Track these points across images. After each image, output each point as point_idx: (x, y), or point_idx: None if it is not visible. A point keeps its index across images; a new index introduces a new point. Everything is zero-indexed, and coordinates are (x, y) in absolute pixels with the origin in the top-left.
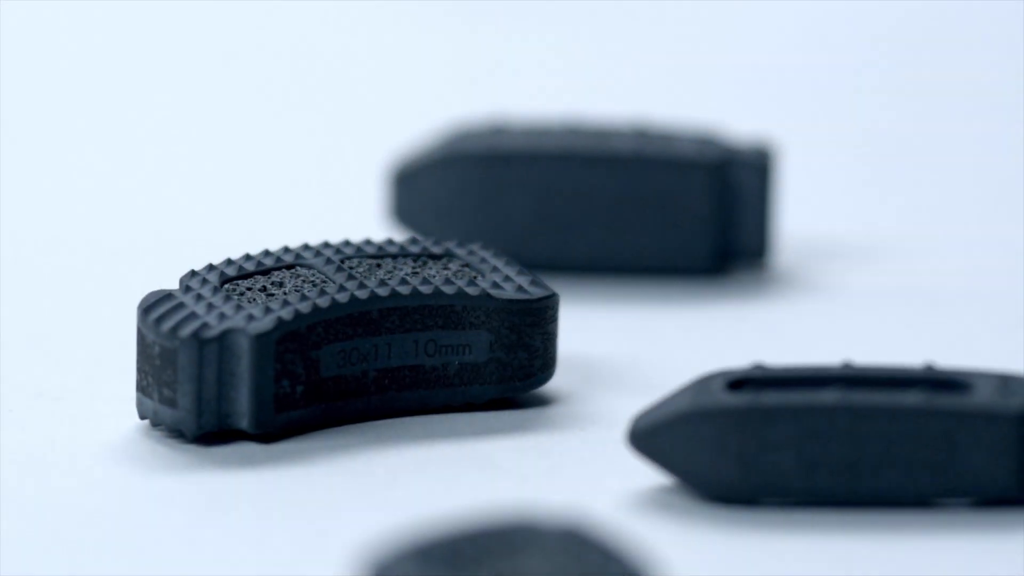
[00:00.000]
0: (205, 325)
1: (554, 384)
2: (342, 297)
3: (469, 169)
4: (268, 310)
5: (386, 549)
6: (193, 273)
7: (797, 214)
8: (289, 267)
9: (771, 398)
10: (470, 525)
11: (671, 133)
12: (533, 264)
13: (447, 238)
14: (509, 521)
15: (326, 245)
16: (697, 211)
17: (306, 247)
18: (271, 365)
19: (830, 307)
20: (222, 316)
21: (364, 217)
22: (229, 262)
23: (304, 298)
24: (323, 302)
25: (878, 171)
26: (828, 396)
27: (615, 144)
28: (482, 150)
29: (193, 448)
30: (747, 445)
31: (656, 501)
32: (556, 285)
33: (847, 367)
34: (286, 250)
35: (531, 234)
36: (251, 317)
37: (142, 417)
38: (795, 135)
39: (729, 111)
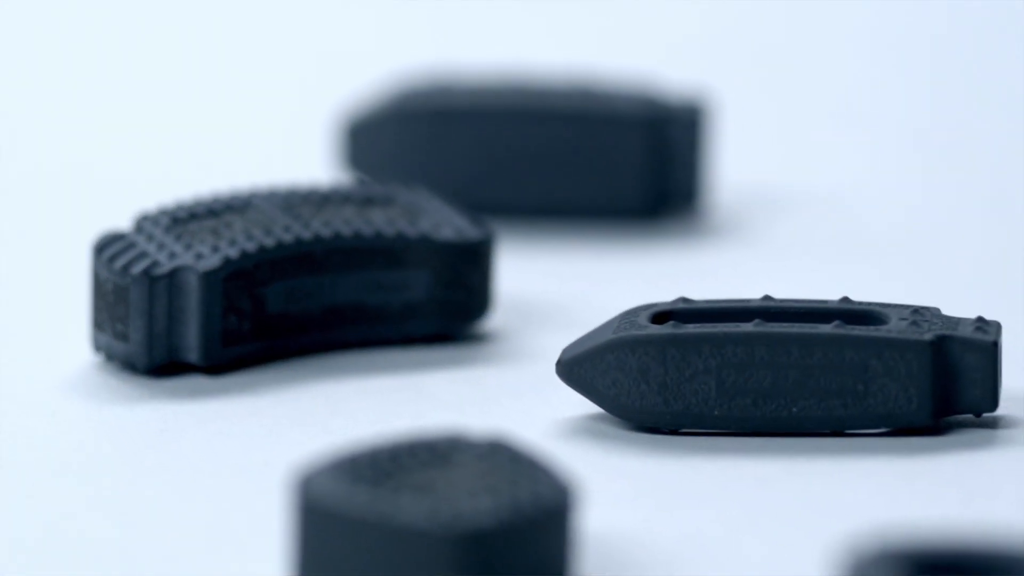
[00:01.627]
0: (156, 263)
1: (492, 321)
2: (287, 237)
3: (418, 125)
4: (216, 249)
5: (313, 465)
6: (145, 214)
7: (736, 162)
8: (238, 209)
9: (693, 329)
10: (396, 441)
11: (609, 91)
12: (478, 211)
13: (392, 183)
14: (435, 437)
15: (275, 189)
16: (632, 164)
17: (255, 191)
18: (219, 302)
19: (759, 252)
20: (172, 255)
21: (317, 166)
22: (181, 204)
23: (251, 238)
24: (269, 242)
25: (819, 121)
26: (747, 327)
27: (556, 102)
28: (431, 108)
29: (144, 380)
30: (669, 374)
31: (583, 429)
32: (498, 228)
33: (767, 301)
34: (236, 194)
35: (477, 185)
36: (200, 256)
37: (96, 351)
38: (738, 84)
39: (675, 59)
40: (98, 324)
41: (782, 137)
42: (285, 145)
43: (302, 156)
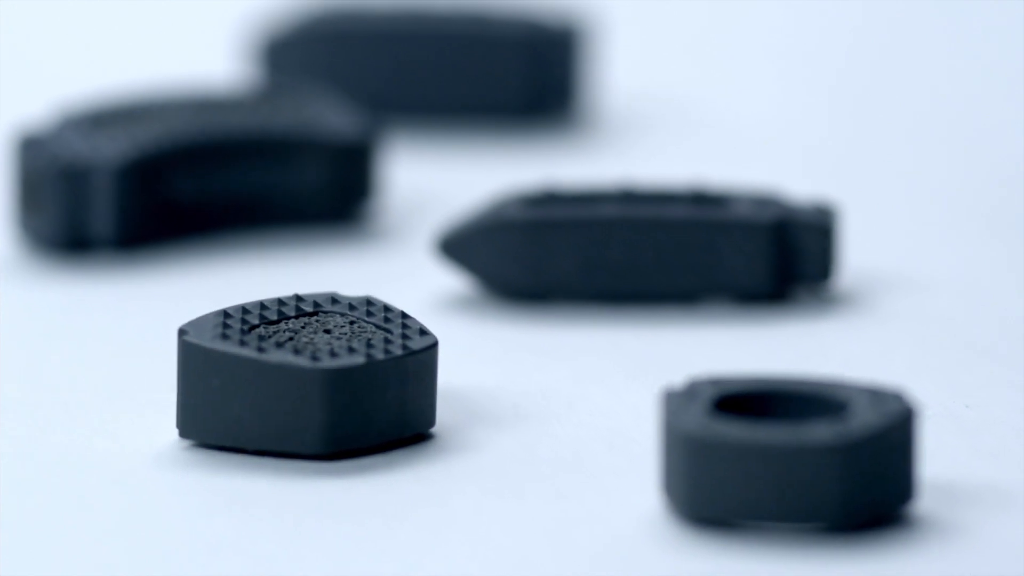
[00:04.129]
0: (73, 158)
1: (381, 208)
2: (190, 132)
3: (330, 45)
4: (126, 143)
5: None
6: (66, 111)
7: (626, 73)
8: (150, 108)
9: (558, 212)
10: (274, 299)
11: (496, 17)
12: (380, 111)
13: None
14: (310, 295)
15: (184, 92)
16: (511, 79)
17: (166, 92)
18: (128, 192)
19: (630, 150)
20: (88, 150)
21: (227, 69)
22: (97, 104)
23: (159, 134)
24: (175, 137)
25: (714, 34)
26: (608, 210)
27: (447, 26)
28: (342, 31)
29: (62, 262)
30: (536, 252)
31: (456, 300)
32: (398, 128)
33: (626, 187)
34: (148, 94)
35: (380, 93)
36: (111, 150)
37: (18, 236)
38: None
39: None
40: (20, 211)
41: (676, 49)
42: (196, 48)
43: (213, 59)
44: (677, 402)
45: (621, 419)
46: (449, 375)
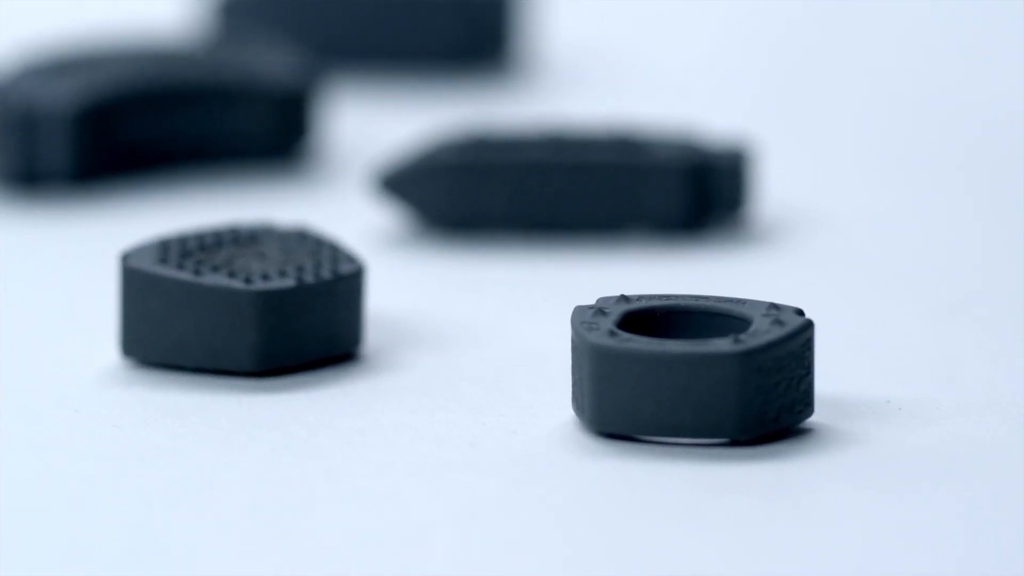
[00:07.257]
0: (32, 102)
1: (321, 148)
2: (141, 80)
3: (286, 7)
4: (81, 90)
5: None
6: (24, 59)
7: (572, 22)
8: (107, 57)
9: (489, 156)
10: (210, 229)
11: None
12: (334, 57)
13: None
14: (245, 225)
15: (141, 41)
16: (451, 30)
17: (124, 41)
18: (82, 135)
19: (566, 96)
20: (45, 95)
21: (181, 23)
22: (56, 52)
23: (111, 80)
24: (125, 84)
25: None
26: (538, 155)
27: None
28: None
29: (19, 197)
30: (470, 191)
31: (392, 236)
32: (343, 73)
33: (553, 132)
34: (106, 44)
35: (330, 46)
36: (67, 96)
37: None
38: None
39: None
40: None
41: (619, 4)
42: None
43: (174, 10)
44: (586, 319)
45: (542, 342)
46: (380, 302)
